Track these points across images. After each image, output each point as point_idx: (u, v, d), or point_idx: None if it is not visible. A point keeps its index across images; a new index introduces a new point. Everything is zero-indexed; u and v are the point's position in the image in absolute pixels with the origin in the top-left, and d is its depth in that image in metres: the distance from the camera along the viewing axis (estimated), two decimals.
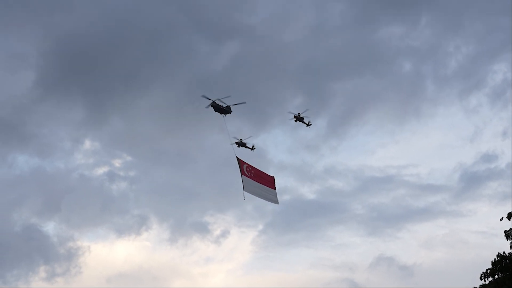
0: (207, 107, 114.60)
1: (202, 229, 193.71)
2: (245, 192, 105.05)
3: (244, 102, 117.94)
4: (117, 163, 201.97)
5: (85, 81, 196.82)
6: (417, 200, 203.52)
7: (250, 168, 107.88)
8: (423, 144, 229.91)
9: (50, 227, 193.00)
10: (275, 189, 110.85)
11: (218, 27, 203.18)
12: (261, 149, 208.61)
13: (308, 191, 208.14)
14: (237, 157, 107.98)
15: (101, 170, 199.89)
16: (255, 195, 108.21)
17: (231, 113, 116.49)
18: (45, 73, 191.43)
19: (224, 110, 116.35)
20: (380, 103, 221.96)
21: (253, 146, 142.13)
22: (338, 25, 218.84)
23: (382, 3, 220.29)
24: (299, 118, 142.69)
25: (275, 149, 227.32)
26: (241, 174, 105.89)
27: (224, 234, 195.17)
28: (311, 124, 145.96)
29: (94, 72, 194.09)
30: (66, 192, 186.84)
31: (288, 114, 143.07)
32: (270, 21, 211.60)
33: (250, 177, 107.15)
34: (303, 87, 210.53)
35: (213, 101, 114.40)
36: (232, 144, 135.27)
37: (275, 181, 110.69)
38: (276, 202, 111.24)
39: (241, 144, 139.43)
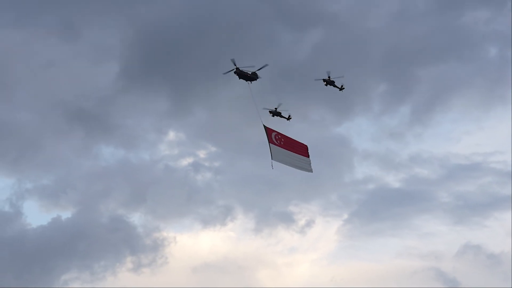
0: (225, 73, 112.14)
1: (287, 219, 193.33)
2: (274, 161, 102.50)
3: (267, 65, 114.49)
4: (201, 153, 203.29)
5: (168, 72, 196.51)
6: (504, 188, 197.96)
7: (279, 136, 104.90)
8: (509, 130, 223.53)
9: (136, 218, 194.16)
10: (308, 157, 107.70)
11: (301, 15, 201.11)
12: (344, 137, 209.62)
13: (393, 180, 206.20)
14: (264, 125, 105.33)
15: (185, 161, 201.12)
16: (286, 164, 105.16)
17: (258, 79, 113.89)
18: (129, 64, 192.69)
19: (249, 76, 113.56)
20: (465, 89, 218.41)
21: (289, 116, 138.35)
22: (422, 11, 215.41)
23: None
24: (275, 113, 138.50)
25: (358, 137, 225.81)
26: (269, 142, 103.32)
27: (309, 223, 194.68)
28: (344, 88, 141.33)
29: (176, 62, 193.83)
30: (152, 183, 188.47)
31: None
32: (353, 8, 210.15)
33: (280, 146, 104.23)
34: (386, 74, 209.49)
35: (237, 68, 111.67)
36: (264, 109, 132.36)
37: (308, 149, 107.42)
38: (310, 170, 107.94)
39: (275, 113, 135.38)
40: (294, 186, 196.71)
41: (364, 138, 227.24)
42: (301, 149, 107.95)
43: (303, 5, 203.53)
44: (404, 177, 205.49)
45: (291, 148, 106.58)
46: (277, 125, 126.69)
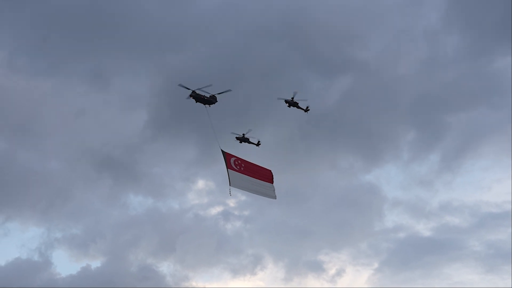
0: (188, 98, 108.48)
1: (317, 268, 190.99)
2: (232, 188, 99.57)
3: (230, 90, 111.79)
4: (231, 202, 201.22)
5: (196, 120, 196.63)
6: None
7: (239, 161, 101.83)
8: None
9: (165, 267, 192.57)
10: (272, 183, 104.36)
11: (330, 62, 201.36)
12: (373, 185, 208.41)
13: (423, 228, 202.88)
14: (222, 150, 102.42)
15: (215, 210, 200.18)
16: (246, 190, 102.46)
17: (216, 103, 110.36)
18: (157, 112, 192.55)
19: (207, 100, 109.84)
20: (496, 136, 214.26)
21: (258, 141, 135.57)
22: (451, 57, 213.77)
23: (497, 33, 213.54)
24: (242, 139, 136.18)
25: (388, 185, 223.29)
26: (227, 168, 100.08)
27: (339, 272, 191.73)
28: (309, 109, 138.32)
29: (203, 111, 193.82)
30: (181, 232, 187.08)
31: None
32: (382, 55, 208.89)
33: (239, 171, 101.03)
34: (416, 121, 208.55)
35: (194, 91, 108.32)
36: (232, 134, 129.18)
37: (273, 175, 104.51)
38: (273, 197, 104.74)
39: (243, 139, 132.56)
40: (324, 235, 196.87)
41: (393, 186, 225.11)
42: (264, 175, 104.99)
43: (332, 52, 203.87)
44: (435, 226, 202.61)
45: (253, 174, 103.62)
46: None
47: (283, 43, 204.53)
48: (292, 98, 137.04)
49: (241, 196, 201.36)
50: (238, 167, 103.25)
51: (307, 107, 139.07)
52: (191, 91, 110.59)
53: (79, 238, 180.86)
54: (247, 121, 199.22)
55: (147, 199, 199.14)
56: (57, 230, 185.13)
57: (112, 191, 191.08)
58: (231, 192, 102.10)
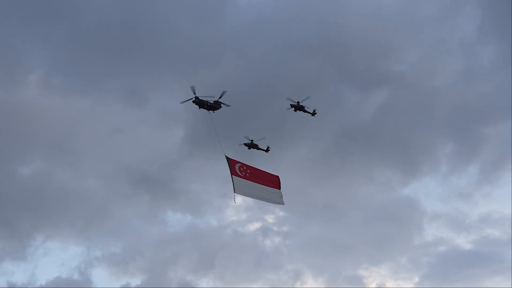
0: (184, 102, 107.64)
1: (357, 282, 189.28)
2: (236, 195, 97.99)
3: (225, 91, 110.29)
4: (269, 218, 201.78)
5: (232, 135, 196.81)
6: None
7: (245, 168, 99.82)
8: None
9: (205, 284, 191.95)
10: (279, 188, 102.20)
11: (366, 75, 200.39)
12: (412, 198, 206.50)
13: (464, 241, 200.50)
14: (226, 157, 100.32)
15: (253, 226, 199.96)
16: (251, 197, 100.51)
17: (220, 109, 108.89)
18: (193, 128, 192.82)
19: (210, 106, 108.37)
20: None
21: (267, 148, 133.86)
22: (488, 68, 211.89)
23: None
24: (251, 145, 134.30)
25: (426, 198, 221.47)
26: (231, 174, 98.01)
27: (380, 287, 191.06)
28: (316, 113, 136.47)
29: (241, 125, 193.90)
30: (220, 248, 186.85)
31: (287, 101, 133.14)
32: (418, 67, 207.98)
33: (245, 177, 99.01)
34: (453, 133, 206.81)
35: (196, 97, 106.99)
36: (240, 145, 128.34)
37: (280, 180, 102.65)
38: (281, 203, 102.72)
39: (251, 145, 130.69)
40: (363, 249, 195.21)
41: (432, 199, 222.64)
42: (271, 181, 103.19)
43: (368, 66, 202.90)
44: (475, 239, 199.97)
45: (258, 180, 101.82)
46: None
47: (318, 57, 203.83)
48: (298, 102, 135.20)
49: (280, 211, 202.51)
50: (243, 173, 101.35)
51: (314, 111, 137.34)
52: (194, 96, 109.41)
53: (118, 256, 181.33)
54: (283, 136, 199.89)
55: (185, 216, 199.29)
56: (97, 248, 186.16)
57: (150, 208, 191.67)
58: (235, 199, 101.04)
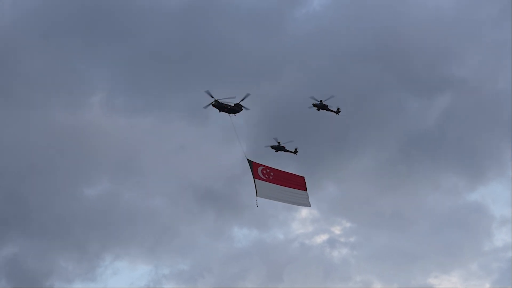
0: (206, 107, 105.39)
1: None
2: (259, 198, 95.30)
3: (249, 94, 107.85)
4: (336, 229, 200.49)
5: (295, 147, 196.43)
6: None
7: (268, 170, 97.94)
8: None
9: None
10: (305, 190, 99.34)
11: (427, 81, 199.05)
12: (480, 204, 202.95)
13: None
14: (248, 160, 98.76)
15: (320, 238, 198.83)
16: (275, 200, 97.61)
17: (241, 111, 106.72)
18: (256, 142, 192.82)
19: (231, 109, 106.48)
20: None
21: (295, 149, 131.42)
22: None
23: None
24: (278, 148, 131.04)
25: (494, 203, 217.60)
26: (253, 178, 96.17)
27: None
28: (340, 111, 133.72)
29: (302, 137, 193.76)
30: (288, 262, 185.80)
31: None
32: (480, 70, 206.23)
33: (268, 180, 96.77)
34: None
35: (216, 100, 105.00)
36: (266, 147, 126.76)
37: (305, 181, 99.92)
38: (307, 204, 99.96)
39: (279, 148, 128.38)
40: (432, 257, 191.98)
41: (500, 203, 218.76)
42: (296, 182, 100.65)
43: (428, 71, 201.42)
44: None
45: (283, 182, 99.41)
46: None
47: (378, 65, 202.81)
48: (321, 101, 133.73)
49: (346, 222, 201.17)
50: (266, 176, 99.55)
51: (338, 109, 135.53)
52: (214, 100, 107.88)
53: (187, 273, 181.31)
54: (346, 146, 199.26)
55: (251, 231, 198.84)
56: (165, 266, 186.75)
57: (216, 224, 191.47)
58: (257, 203, 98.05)
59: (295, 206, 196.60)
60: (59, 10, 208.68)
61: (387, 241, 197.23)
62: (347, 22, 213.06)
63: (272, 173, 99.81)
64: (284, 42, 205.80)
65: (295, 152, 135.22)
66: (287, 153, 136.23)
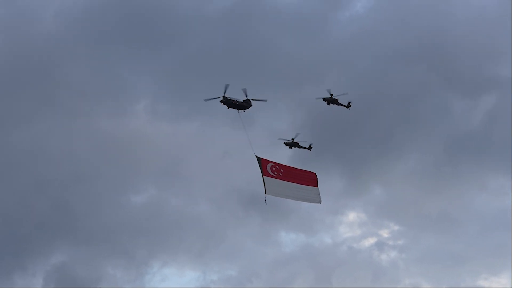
0: (208, 100, 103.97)
1: None
2: (268, 196, 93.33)
3: (265, 100, 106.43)
4: (384, 233, 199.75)
5: (340, 151, 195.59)
6: None
7: (277, 167, 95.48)
8: None
9: None
10: (316, 186, 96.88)
11: (472, 81, 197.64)
12: None
13: None
14: (257, 157, 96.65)
15: (368, 242, 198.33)
16: (285, 197, 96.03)
17: (250, 107, 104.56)
18: None
19: (239, 105, 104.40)
20: None
21: (310, 145, 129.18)
22: None
23: None
24: (292, 144, 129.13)
25: None
26: (262, 175, 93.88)
27: None
28: (351, 105, 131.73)
29: (348, 140, 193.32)
30: (336, 266, 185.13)
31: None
32: None
33: (277, 177, 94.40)
34: None
35: (224, 96, 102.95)
36: (279, 139, 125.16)
37: (317, 177, 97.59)
38: (317, 201, 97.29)
39: (292, 144, 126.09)
40: (481, 259, 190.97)
41: None
42: (307, 179, 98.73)
43: (474, 71, 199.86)
44: None
45: (293, 179, 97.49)
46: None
47: (422, 66, 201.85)
48: (332, 95, 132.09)
49: (394, 225, 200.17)
50: (275, 173, 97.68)
51: (349, 103, 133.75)
52: (221, 96, 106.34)
53: (235, 279, 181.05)
54: (391, 149, 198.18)
55: (298, 235, 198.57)
56: (213, 272, 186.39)
57: (262, 229, 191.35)
58: (266, 201, 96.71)
59: (341, 209, 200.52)
60: (102, 18, 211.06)
61: (435, 243, 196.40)
62: (390, 24, 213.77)
63: (282, 170, 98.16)
64: (328, 45, 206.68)
65: (310, 148, 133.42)
66: (301, 149, 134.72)
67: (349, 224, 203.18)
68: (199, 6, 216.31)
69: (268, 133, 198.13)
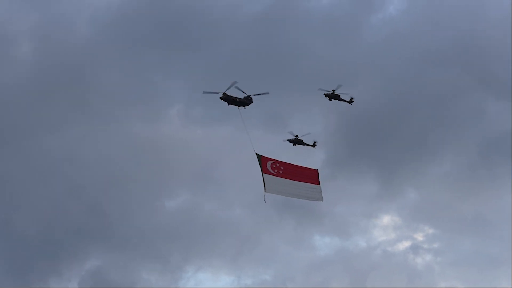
0: (206, 93, 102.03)
1: None
2: (268, 194, 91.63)
3: (267, 93, 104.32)
4: (419, 236, 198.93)
5: (374, 154, 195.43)
6: None
7: (278, 165, 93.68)
8: None
9: None
10: (318, 183, 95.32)
11: (507, 83, 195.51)
12: None
13: None
14: (257, 154, 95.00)
15: (403, 245, 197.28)
16: (285, 195, 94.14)
17: (251, 104, 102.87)
18: (334, 150, 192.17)
19: (240, 101, 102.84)
20: None
21: (314, 142, 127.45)
22: None
23: None
24: (296, 141, 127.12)
25: None
26: (262, 173, 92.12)
27: None
28: (353, 101, 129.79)
29: (381, 143, 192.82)
30: (371, 269, 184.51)
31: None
32: None
33: (277, 175, 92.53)
34: None
35: (224, 93, 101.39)
36: (284, 141, 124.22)
37: (318, 174, 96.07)
38: (319, 199, 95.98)
39: (296, 141, 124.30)
40: None
41: None
42: (308, 176, 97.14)
43: (508, 73, 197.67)
44: None
45: (293, 177, 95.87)
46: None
47: (456, 68, 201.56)
48: (334, 90, 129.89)
49: (429, 229, 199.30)
50: (276, 170, 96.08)
51: (351, 99, 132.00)
52: (222, 93, 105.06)
53: (269, 283, 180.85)
54: (425, 152, 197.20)
55: (333, 239, 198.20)
56: (247, 276, 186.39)
57: (296, 233, 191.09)
58: (265, 199, 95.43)
59: (375, 212, 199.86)
60: (135, 24, 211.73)
61: (471, 246, 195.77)
62: (423, 26, 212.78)
63: (282, 167, 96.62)
64: (361, 48, 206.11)
65: (314, 145, 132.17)
66: (305, 146, 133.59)
67: (384, 227, 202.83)
68: (231, 10, 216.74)
69: (302, 136, 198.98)
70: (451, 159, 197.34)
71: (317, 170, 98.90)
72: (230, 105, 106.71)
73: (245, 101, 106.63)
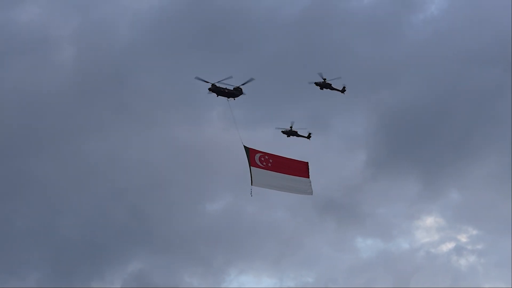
0: (197, 79, 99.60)
1: None
2: (254, 187, 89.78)
3: (253, 79, 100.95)
4: (463, 237, 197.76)
5: (415, 154, 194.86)
6: None
7: (267, 157, 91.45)
8: None
9: None
10: (308, 177, 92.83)
11: None
12: None
13: None
14: (245, 146, 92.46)
15: (446, 247, 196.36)
16: (272, 188, 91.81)
17: (242, 95, 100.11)
18: (375, 151, 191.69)
19: (229, 93, 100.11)
20: None
21: (309, 134, 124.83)
22: None
23: None
24: (290, 133, 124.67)
25: None
26: (250, 166, 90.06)
27: None
28: (345, 90, 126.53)
29: (423, 143, 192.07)
30: (414, 271, 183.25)
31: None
32: None
33: (265, 168, 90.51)
34: None
35: (213, 84, 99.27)
36: (276, 129, 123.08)
37: (308, 167, 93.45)
38: (308, 192, 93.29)
39: (290, 133, 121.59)
40: None
41: None
42: (298, 169, 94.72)
43: None
44: None
45: (282, 170, 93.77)
46: None
47: (499, 67, 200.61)
48: (325, 79, 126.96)
49: (472, 230, 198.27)
50: (264, 163, 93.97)
51: (344, 87, 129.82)
52: (210, 84, 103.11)
53: (312, 286, 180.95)
54: (469, 152, 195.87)
55: (375, 241, 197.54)
56: (289, 279, 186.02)
57: (338, 234, 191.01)
58: (252, 193, 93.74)
59: (417, 214, 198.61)
60: (176, 26, 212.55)
61: None
62: (465, 25, 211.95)
63: (271, 160, 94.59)
64: (402, 48, 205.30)
65: (309, 137, 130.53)
66: (299, 138, 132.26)
67: (427, 229, 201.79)
68: (272, 11, 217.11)
69: (343, 137, 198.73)
70: (494, 159, 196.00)
71: (307, 162, 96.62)
72: (219, 96, 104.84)
73: (235, 92, 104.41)
